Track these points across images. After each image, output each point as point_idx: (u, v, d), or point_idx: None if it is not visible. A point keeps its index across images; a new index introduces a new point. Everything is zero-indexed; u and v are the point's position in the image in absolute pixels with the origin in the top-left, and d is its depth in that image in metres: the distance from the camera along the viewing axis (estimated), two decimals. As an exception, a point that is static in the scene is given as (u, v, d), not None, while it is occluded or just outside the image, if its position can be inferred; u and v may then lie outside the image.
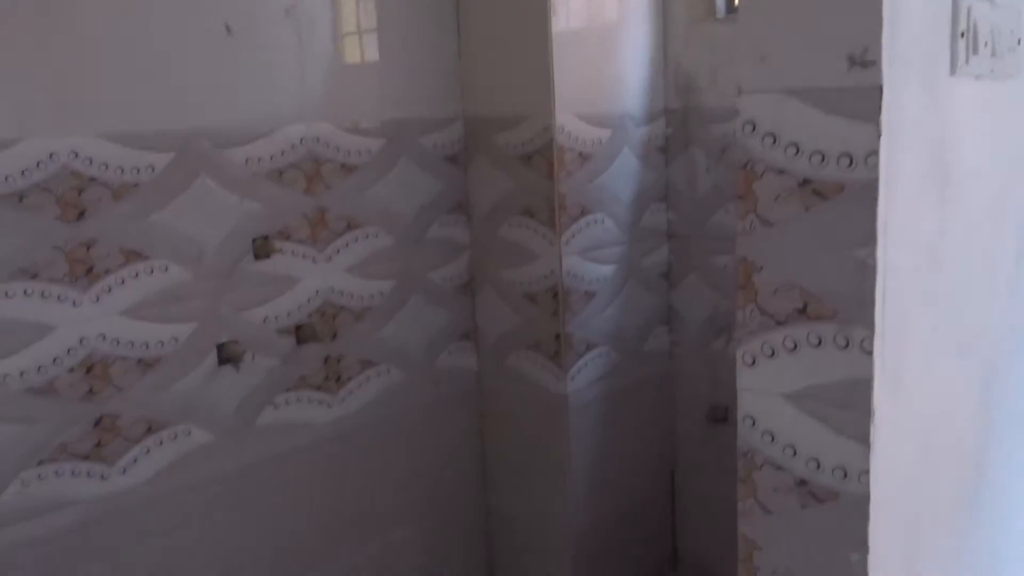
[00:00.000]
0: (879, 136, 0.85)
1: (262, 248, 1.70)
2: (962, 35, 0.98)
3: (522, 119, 1.94)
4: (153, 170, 1.55)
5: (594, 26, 1.97)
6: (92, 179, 1.48)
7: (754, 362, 0.95)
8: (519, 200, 1.98)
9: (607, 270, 2.04)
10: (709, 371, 2.16)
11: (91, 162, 1.48)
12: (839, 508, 0.91)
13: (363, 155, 1.86)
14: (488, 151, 2.02)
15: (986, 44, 1.01)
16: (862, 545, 0.90)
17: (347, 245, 1.85)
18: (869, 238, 0.86)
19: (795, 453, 0.93)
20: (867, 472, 0.87)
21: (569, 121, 1.91)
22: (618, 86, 2.03)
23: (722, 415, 2.13)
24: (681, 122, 2.13)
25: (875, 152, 0.86)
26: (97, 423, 1.52)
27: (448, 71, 2.00)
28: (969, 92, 1.02)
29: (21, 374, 1.43)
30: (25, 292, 1.43)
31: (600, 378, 2.07)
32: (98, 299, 1.51)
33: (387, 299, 1.94)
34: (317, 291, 1.81)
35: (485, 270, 2.09)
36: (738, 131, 0.96)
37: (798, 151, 0.91)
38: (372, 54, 1.87)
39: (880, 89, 0.85)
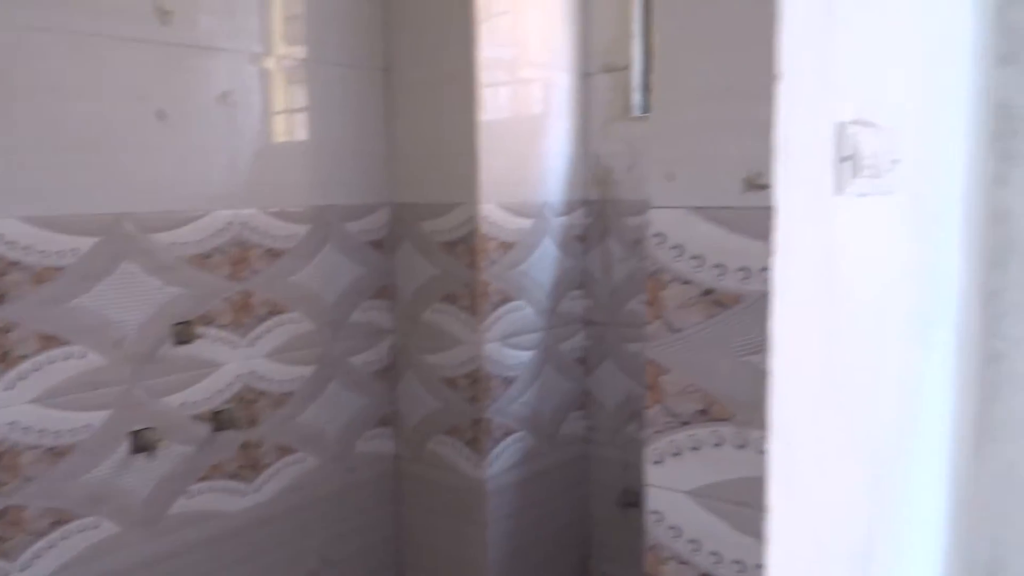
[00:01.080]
0: (771, 253, 0.94)
1: (183, 333, 1.69)
2: (845, 159, 1.08)
3: (448, 207, 2.00)
4: (77, 254, 1.54)
5: (519, 119, 2.07)
6: (13, 263, 1.47)
7: (660, 460, 1.01)
8: (443, 286, 2.03)
9: (526, 356, 2.10)
10: (622, 455, 2.21)
11: (13, 245, 1.47)
12: (739, 601, 0.96)
13: (289, 240, 1.89)
14: (414, 237, 2.07)
15: (867, 166, 1.12)
16: (761, 636, 0.95)
17: (269, 330, 1.86)
18: (763, 345, 0.93)
19: (698, 548, 0.99)
20: (762, 566, 0.93)
21: (493, 211, 1.98)
22: (540, 177, 2.12)
23: (634, 499, 2.18)
24: (599, 213, 2.23)
25: (768, 267, 0.94)
26: (2, 516, 1.47)
27: (376, 158, 2.06)
28: (853, 209, 1.12)
29: (-79, 463, 1.39)
30: (-68, 378, 1.39)
31: (517, 463, 2.10)
32: (13, 386, 1.48)
33: (307, 384, 1.95)
34: (237, 376, 1.81)
35: (407, 355, 2.12)
36: (648, 242, 1.04)
37: (701, 263, 0.99)
38: (302, 142, 1.92)
39: (772, 210, 0.94)
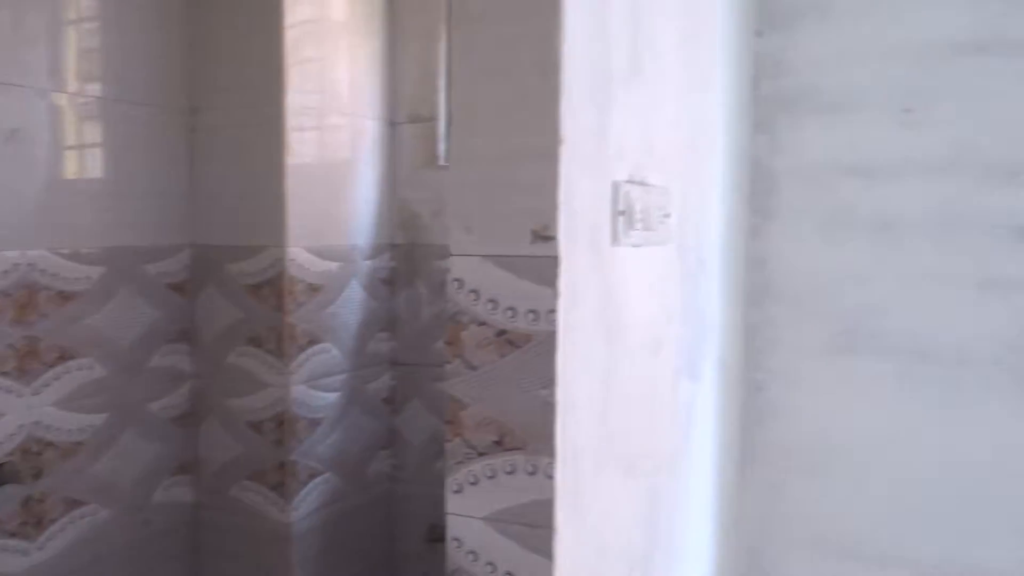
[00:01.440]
0: (556, 296, 1.05)
1: (-43, 382, 1.58)
2: (620, 213, 1.22)
3: (254, 250, 2.00)
4: None
5: (327, 164, 2.11)
6: None
7: (460, 489, 1.08)
8: (248, 329, 2.02)
9: (332, 397, 2.12)
10: (429, 491, 2.27)
11: None
12: (530, 616, 1.05)
13: (82, 282, 1.81)
14: (218, 280, 2.04)
15: (639, 220, 1.27)
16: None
17: (58, 377, 1.77)
18: (550, 380, 1.04)
19: (495, 569, 1.06)
20: (551, 582, 1.02)
21: (300, 254, 2.00)
22: (348, 221, 2.17)
23: (441, 534, 2.22)
24: (406, 256, 2.31)
25: (554, 310, 1.05)
26: None
27: (178, 199, 2.02)
28: (629, 257, 1.26)
29: None
30: None
31: (324, 505, 2.10)
32: None
33: (99, 433, 1.86)
34: (20, 427, 1.70)
35: (210, 400, 2.08)
36: (448, 287, 1.12)
37: (495, 306, 1.08)
38: (97, 180, 1.86)
39: (557, 259, 1.05)
